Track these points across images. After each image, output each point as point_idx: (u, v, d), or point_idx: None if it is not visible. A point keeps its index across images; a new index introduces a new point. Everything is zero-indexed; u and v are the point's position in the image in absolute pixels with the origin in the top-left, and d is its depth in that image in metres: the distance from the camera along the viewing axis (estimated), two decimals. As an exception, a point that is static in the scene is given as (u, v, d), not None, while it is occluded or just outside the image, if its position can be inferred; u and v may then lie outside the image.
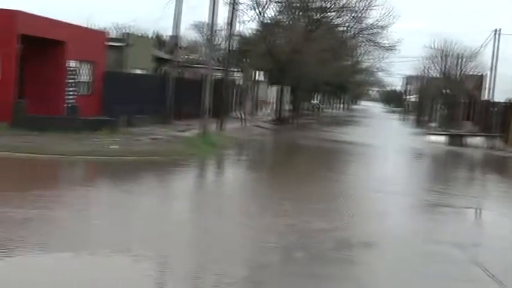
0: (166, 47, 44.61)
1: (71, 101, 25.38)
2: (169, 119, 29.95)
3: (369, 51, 51.97)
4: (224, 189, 15.00)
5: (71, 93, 25.78)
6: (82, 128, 21.79)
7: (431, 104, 68.69)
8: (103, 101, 27.65)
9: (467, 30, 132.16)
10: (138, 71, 33.54)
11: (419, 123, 66.44)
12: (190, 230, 10.22)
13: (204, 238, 9.49)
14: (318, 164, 21.92)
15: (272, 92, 54.16)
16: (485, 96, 44.68)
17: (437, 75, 59.30)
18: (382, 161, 24.76)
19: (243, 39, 49.30)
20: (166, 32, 50.06)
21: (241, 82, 45.57)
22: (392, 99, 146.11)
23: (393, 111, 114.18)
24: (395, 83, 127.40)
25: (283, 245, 9.20)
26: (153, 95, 30.60)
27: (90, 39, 27.53)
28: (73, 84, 26.00)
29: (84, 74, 27.34)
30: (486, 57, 47.89)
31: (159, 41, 49.40)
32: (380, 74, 78.59)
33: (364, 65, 62.77)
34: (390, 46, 45.87)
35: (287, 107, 52.33)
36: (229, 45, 32.53)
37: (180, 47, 43.51)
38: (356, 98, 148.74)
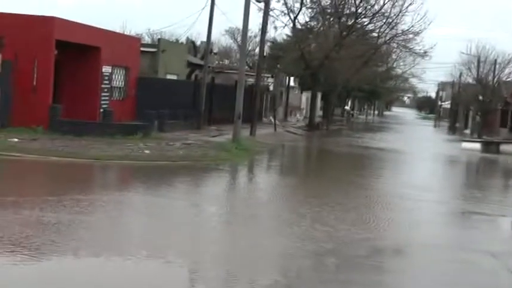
0: (199, 53, 45.09)
1: (105, 105, 25.62)
2: (202, 124, 30.08)
3: (402, 57, 51.85)
4: (257, 194, 14.88)
5: (105, 98, 26.06)
6: (116, 133, 21.98)
7: (466, 111, 67.70)
8: (136, 106, 27.91)
9: (503, 36, 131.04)
10: (172, 77, 33.76)
11: (453, 130, 66.76)
12: (222, 235, 10.19)
13: (236, 244, 9.46)
14: (349, 170, 21.76)
15: (304, 98, 54.71)
16: None
17: (472, 82, 58.22)
18: (415, 168, 24.39)
19: (276, 45, 50.41)
20: (200, 37, 51.44)
21: (273, 88, 45.59)
22: (426, 106, 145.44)
23: (426, 118, 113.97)
24: (429, 89, 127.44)
25: (317, 252, 9.07)
26: (186, 100, 30.79)
27: (124, 45, 27.79)
28: (107, 89, 26.27)
29: (118, 79, 27.64)
30: None
31: (193, 46, 49.73)
32: (413, 80, 78.79)
33: (397, 71, 62.46)
34: (424, 52, 45.64)
35: (319, 113, 51.85)
36: (261, 50, 32.75)
37: (213, 52, 45.39)
38: (389, 104, 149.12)
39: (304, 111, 53.78)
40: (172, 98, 29.42)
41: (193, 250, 8.80)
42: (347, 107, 77.39)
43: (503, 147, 34.20)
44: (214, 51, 49.27)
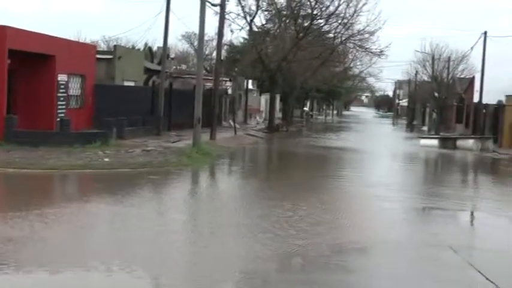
0: (157, 58, 44.39)
1: (61, 114, 25.22)
2: (161, 130, 29.76)
3: (359, 57, 51.64)
4: (219, 199, 14.76)
5: (61, 106, 25.64)
6: (74, 142, 21.69)
7: (423, 108, 68.13)
8: (94, 114, 27.55)
9: (456, 34, 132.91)
10: (129, 83, 33.44)
11: (410, 127, 66.82)
12: (185, 243, 10.09)
13: (200, 250, 9.38)
14: (310, 170, 21.40)
15: (263, 100, 54.44)
16: (475, 98, 42.96)
17: (428, 79, 58.37)
18: (374, 166, 24.31)
19: (233, 48, 50.24)
20: (157, 43, 50.75)
21: (231, 91, 45.23)
22: (384, 104, 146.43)
23: (385, 116, 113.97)
24: (387, 88, 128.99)
25: (281, 253, 9.12)
26: (144, 107, 30.49)
27: (79, 53, 27.43)
28: (63, 98, 25.83)
29: (75, 87, 27.22)
30: (476, 60, 46.91)
31: (150, 52, 49.19)
32: (370, 80, 78.09)
33: (355, 70, 62.29)
34: (380, 51, 45.63)
35: (278, 115, 51.44)
36: (219, 54, 32.45)
37: (170, 58, 44.57)
38: (347, 103, 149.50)
39: (263, 114, 53.59)
40: (131, 104, 29.10)
41: (156, 259, 8.69)
42: (306, 108, 76.71)
43: (460, 143, 34.16)
44: (172, 56, 48.67)
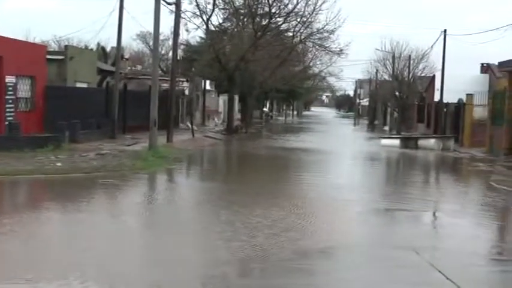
0: (110, 59, 43.95)
1: (10, 118, 24.86)
2: (116, 133, 29.43)
3: (319, 56, 51.87)
4: (176, 202, 14.58)
5: (10, 110, 25.25)
6: (24, 146, 21.31)
7: (384, 108, 68.04)
8: (45, 117, 27.19)
9: (418, 32, 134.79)
10: (82, 85, 33.03)
11: (372, 127, 67.66)
12: (141, 247, 10.01)
13: (157, 256, 9.31)
14: (271, 173, 21.34)
15: (221, 101, 54.10)
16: (436, 97, 43.19)
17: (389, 78, 58.63)
18: (335, 167, 24.34)
19: (190, 48, 49.72)
20: (110, 43, 50.26)
21: (188, 92, 44.86)
22: (345, 104, 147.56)
23: (346, 116, 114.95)
24: (347, 87, 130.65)
25: (242, 257, 9.15)
26: (98, 109, 30.10)
27: (28, 53, 27.05)
28: (12, 101, 25.46)
29: (24, 89, 26.86)
30: (436, 58, 52.49)
31: (103, 52, 48.64)
32: (331, 79, 78.39)
33: (314, 70, 62.37)
34: (339, 50, 45.95)
35: (237, 116, 51.28)
36: (175, 54, 32.15)
37: (124, 58, 44.36)
38: (308, 104, 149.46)
39: (222, 115, 53.24)
40: (84, 106, 28.73)
41: (110, 268, 8.56)
42: (265, 109, 76.35)
43: (421, 142, 34.66)
44: (126, 56, 48.43)
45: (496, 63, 33.92)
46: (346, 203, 14.78)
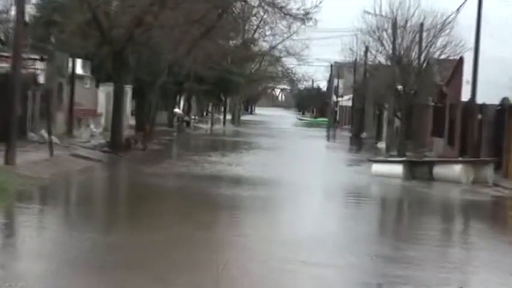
0: None
1: None
2: None
3: (270, 23, 45.30)
4: (23, 265, 13.34)
5: None
6: None
7: (378, 110, 61.09)
8: None
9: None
10: None
11: (357, 142, 60.92)
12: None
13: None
14: (187, 223, 18.47)
15: (102, 95, 48.20)
16: (465, 94, 35.70)
17: (386, 61, 49.69)
18: (297, 210, 22.05)
19: (48, 3, 44.59)
20: None
21: (46, 79, 38.50)
22: (312, 104, 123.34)
23: (313, 124, 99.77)
24: (317, 75, 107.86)
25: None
26: None
27: None
28: None
29: None
30: (466, 29, 38.18)
31: None
32: (290, 61, 71.87)
33: (262, 45, 59.07)
34: (304, 14, 38.81)
35: (130, 121, 47.57)
36: (20, 12, 27.38)
37: None
38: (251, 102, 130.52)
39: (104, 119, 47.14)
40: None
41: None
42: (178, 110, 68.05)
43: (439, 170, 30.54)
44: None
45: None
46: (316, 270, 13.33)
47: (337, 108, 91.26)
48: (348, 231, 19.21)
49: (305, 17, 39.00)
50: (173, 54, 42.72)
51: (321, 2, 39.96)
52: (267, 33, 51.57)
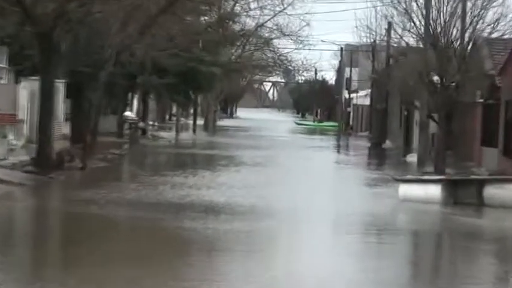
0: None
1: None
2: None
3: None
4: None
5: None
6: None
7: (405, 111, 58.25)
8: None
9: None
10: None
11: (378, 155, 58.33)
12: None
13: None
14: (131, 273, 17.90)
15: (24, 93, 44.25)
16: None
17: (416, 43, 46.53)
18: (291, 251, 21.40)
19: None
20: None
21: None
22: (315, 103, 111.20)
23: (316, 130, 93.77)
24: (321, 64, 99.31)
25: None
26: None
27: None
28: None
29: None
30: None
31: None
32: (283, 45, 66.77)
33: (245, 23, 54.92)
34: None
35: (64, 129, 45.26)
36: None
37: None
38: (231, 102, 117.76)
39: (26, 127, 43.92)
40: None
41: None
42: (131, 114, 64.93)
43: (493, 192, 30.16)
44: None
45: None
46: None
47: (350, 109, 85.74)
48: (370, 283, 18.44)
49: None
50: (122, 36, 40.21)
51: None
52: (252, 5, 49.25)
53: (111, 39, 40.43)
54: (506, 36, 43.00)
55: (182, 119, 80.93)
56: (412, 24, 45.65)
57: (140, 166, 43.35)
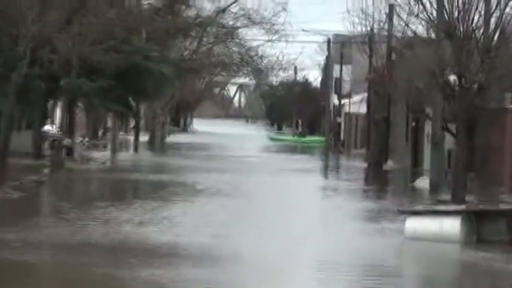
0: None
1: None
2: None
3: None
4: None
5: None
6: None
7: (414, 121, 57.37)
8: None
9: None
10: None
11: (378, 178, 57.35)
12: None
13: None
14: None
15: None
16: None
17: (427, 33, 46.60)
18: None
19: None
20: None
21: None
22: (295, 111, 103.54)
23: (299, 146, 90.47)
24: (304, 62, 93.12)
25: None
26: None
27: None
28: None
29: None
30: None
31: None
32: (254, 37, 64.25)
33: (204, 8, 52.84)
34: None
35: None
36: None
37: None
38: (185, 111, 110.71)
39: None
40: None
41: None
42: (52, 127, 63.79)
43: None
44: None
45: None
46: None
47: (341, 119, 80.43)
48: None
49: None
50: (39, 26, 39.58)
51: None
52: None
53: (25, 30, 40.00)
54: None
55: (121, 133, 78.42)
56: (422, 7, 44.90)
57: (65, 197, 42.95)
